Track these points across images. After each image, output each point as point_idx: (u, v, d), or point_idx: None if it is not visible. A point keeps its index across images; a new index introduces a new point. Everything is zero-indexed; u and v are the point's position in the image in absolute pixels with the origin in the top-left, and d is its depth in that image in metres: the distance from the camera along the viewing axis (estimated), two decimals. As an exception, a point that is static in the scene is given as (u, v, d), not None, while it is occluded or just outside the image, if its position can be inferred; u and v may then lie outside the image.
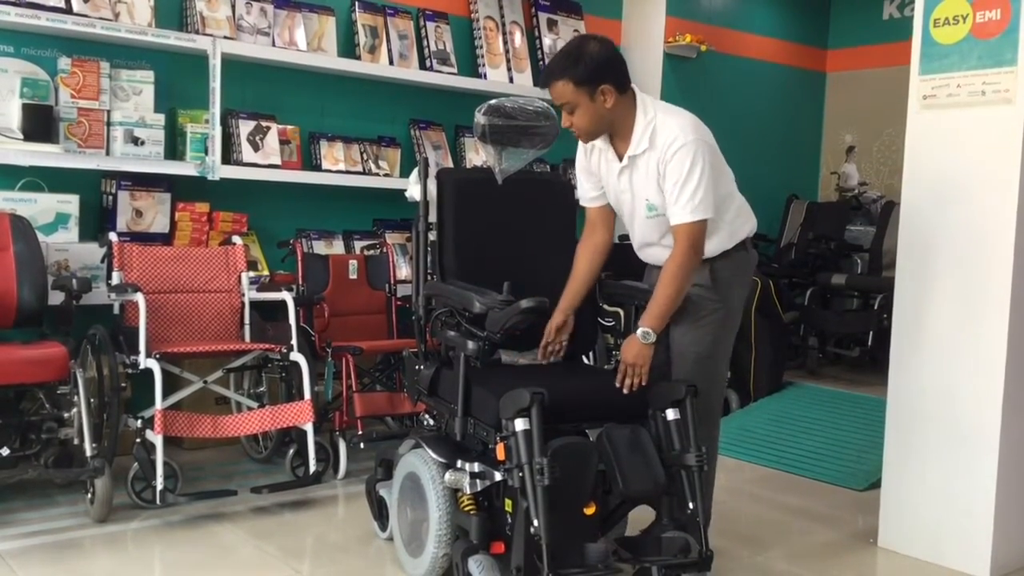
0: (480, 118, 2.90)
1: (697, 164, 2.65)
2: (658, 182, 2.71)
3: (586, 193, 2.97)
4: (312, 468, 3.59)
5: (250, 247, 4.30)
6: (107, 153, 3.98)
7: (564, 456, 2.39)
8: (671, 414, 2.59)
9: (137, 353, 3.44)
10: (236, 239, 4.10)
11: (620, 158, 2.79)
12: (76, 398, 3.31)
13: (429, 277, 2.97)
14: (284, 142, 4.51)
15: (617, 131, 2.77)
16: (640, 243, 2.93)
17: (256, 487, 3.57)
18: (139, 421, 3.44)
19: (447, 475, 2.64)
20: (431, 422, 2.92)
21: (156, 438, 3.34)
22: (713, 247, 2.83)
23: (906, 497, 3.28)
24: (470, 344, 2.62)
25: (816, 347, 5.98)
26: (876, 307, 5.76)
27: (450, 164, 5.05)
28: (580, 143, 2.90)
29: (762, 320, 5.29)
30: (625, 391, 2.64)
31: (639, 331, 2.66)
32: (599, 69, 2.67)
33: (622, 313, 3.94)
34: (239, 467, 4.07)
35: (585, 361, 3.20)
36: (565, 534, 2.39)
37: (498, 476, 2.53)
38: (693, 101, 6.09)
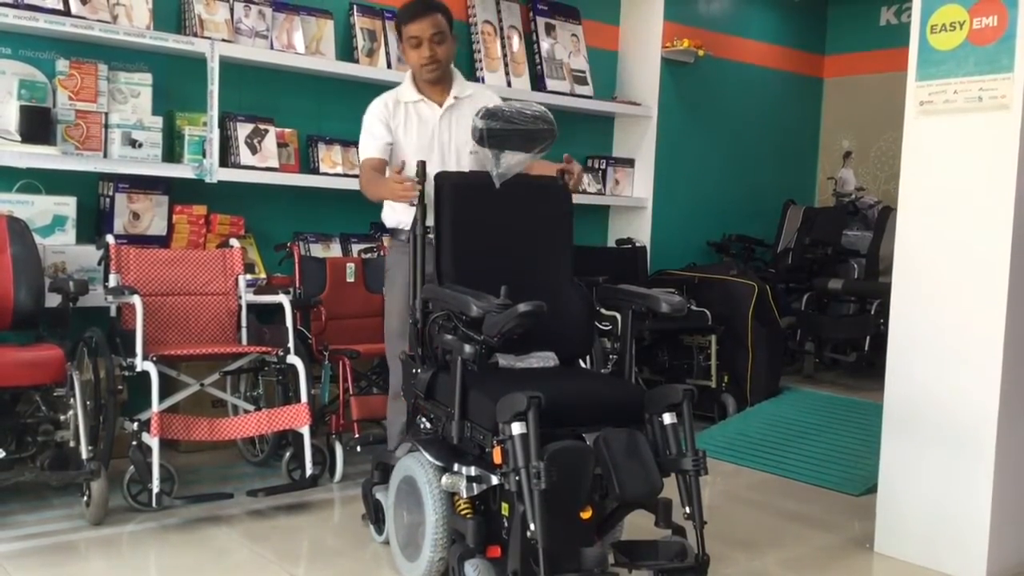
0: (478, 122, 2.90)
1: None
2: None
3: (380, 141, 3.31)
4: (308, 471, 3.59)
5: (247, 250, 4.30)
6: (105, 155, 3.98)
7: (561, 460, 2.39)
8: (668, 418, 2.59)
9: (134, 355, 3.44)
10: (233, 242, 4.10)
11: (439, 104, 3.33)
12: (72, 400, 3.31)
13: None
14: (282, 145, 4.51)
15: (443, 78, 3.34)
16: None
17: (252, 490, 3.56)
18: (135, 424, 3.44)
19: (444, 479, 2.64)
20: (428, 425, 2.92)
21: (152, 441, 3.33)
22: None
23: (902, 502, 3.28)
24: (467, 348, 2.61)
25: (813, 352, 5.99)
26: (873, 312, 5.77)
27: (448, 168, 5.05)
28: (381, 98, 3.36)
29: (758, 325, 5.30)
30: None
31: None
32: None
33: (619, 317, 3.94)
34: (235, 470, 4.07)
35: (582, 365, 3.20)
36: (562, 538, 2.39)
37: (495, 480, 2.53)
38: (691, 106, 6.17)
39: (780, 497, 4.03)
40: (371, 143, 3.34)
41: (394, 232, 3.44)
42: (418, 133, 3.34)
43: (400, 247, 3.34)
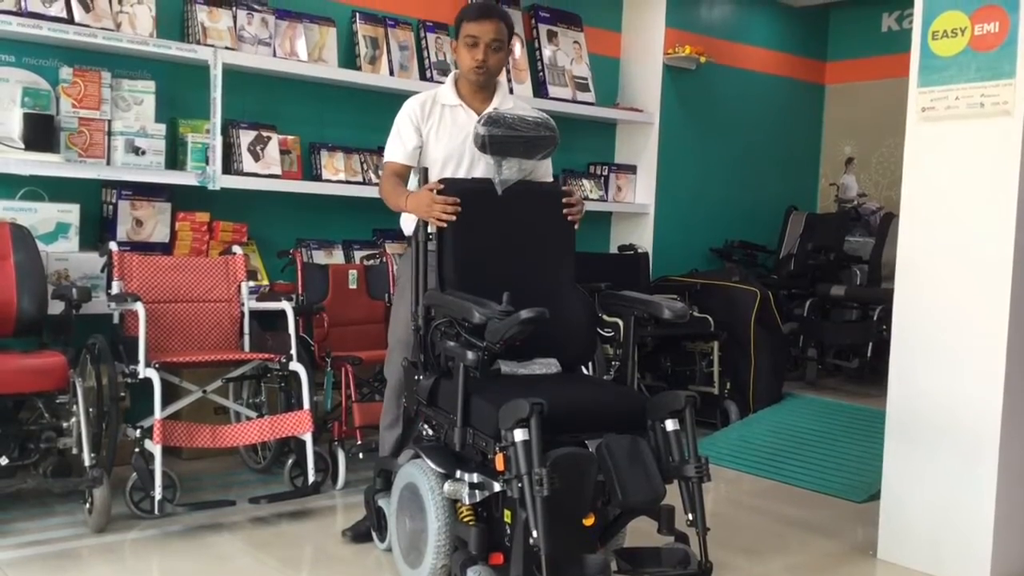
0: (480, 129, 2.91)
1: None
2: None
3: (408, 145, 3.21)
4: (311, 478, 3.58)
5: (250, 257, 4.31)
6: (108, 163, 3.99)
7: (563, 467, 2.39)
8: (670, 425, 2.59)
9: (136, 362, 3.44)
10: (236, 249, 4.11)
11: (478, 112, 3.17)
12: (75, 407, 3.31)
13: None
14: (284, 152, 4.52)
15: (487, 86, 3.25)
16: None
17: (255, 497, 3.56)
18: (138, 431, 3.44)
19: (446, 486, 2.64)
20: (430, 432, 2.92)
21: (155, 448, 3.34)
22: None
23: (905, 508, 3.27)
24: (470, 354, 2.61)
25: (815, 358, 5.98)
26: (875, 318, 5.76)
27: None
28: (417, 97, 3.28)
29: (761, 331, 5.29)
30: None
31: None
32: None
33: (621, 323, 3.94)
34: (238, 477, 4.06)
35: (584, 371, 3.20)
36: (564, 545, 2.38)
37: (497, 487, 2.53)
38: (692, 112, 6.18)
39: (783, 504, 4.03)
40: (398, 147, 3.23)
41: (409, 240, 3.33)
42: (449, 138, 3.20)
43: (412, 255, 3.30)
